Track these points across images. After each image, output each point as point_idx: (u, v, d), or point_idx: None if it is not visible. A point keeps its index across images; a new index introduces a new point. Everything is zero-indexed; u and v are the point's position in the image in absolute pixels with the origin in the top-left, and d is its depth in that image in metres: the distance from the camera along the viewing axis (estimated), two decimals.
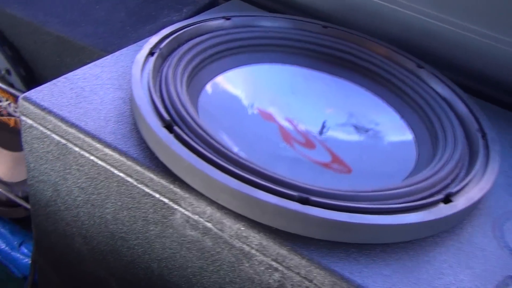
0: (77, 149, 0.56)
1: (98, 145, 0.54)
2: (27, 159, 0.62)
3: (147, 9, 0.86)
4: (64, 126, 0.55)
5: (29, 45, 0.83)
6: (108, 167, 0.54)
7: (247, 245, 0.48)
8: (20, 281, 1.05)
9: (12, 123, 1.00)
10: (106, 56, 0.68)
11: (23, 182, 0.98)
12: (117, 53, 0.69)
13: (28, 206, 0.94)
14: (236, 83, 0.70)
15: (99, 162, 0.55)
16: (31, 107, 0.57)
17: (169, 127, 0.53)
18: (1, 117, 1.00)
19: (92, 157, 0.55)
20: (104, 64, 0.66)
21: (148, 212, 0.54)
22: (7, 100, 0.96)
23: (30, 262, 0.96)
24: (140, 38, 0.74)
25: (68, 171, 0.58)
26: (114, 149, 0.53)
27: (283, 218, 0.47)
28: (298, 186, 0.49)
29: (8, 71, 0.83)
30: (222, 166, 0.49)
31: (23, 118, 0.59)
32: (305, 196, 0.48)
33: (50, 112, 0.56)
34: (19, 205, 0.97)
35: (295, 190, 0.48)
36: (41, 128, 0.57)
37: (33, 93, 0.58)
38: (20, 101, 0.58)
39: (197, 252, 0.53)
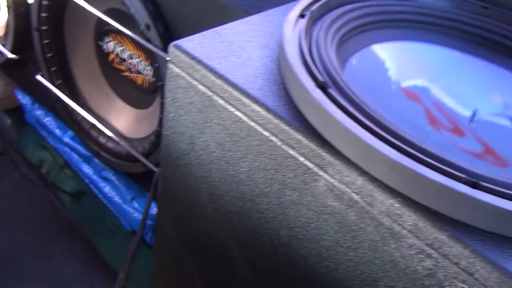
0: (222, 102, 0.54)
1: (246, 100, 0.52)
2: (167, 109, 0.61)
3: None
4: (212, 77, 0.54)
5: (170, 2, 0.84)
6: (252, 123, 0.52)
7: (399, 224, 0.44)
8: (129, 234, 1.08)
9: (139, 81, 1.02)
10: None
11: (144, 138, 1.01)
12: (263, 14, 0.67)
13: (146, 162, 0.96)
14: (383, 58, 0.65)
15: (243, 117, 0.53)
16: (181, 55, 0.56)
17: (323, 88, 0.49)
18: (131, 74, 1.03)
19: (236, 112, 0.53)
20: (251, 22, 0.64)
21: (287, 176, 0.51)
22: (139, 57, 0.99)
23: (141, 217, 0.99)
24: (283, 3, 0.72)
25: (208, 124, 0.57)
26: (262, 105, 0.51)
27: (447, 200, 0.42)
28: (465, 168, 0.44)
29: (148, 26, 0.84)
30: (381, 135, 0.45)
31: (171, 66, 0.58)
32: (473, 180, 0.42)
33: (199, 61, 0.55)
34: (137, 161, 1.00)
35: (462, 172, 0.43)
36: (188, 78, 0.57)
37: (184, 42, 0.57)
38: (171, 48, 0.57)
39: (336, 225, 0.49)
